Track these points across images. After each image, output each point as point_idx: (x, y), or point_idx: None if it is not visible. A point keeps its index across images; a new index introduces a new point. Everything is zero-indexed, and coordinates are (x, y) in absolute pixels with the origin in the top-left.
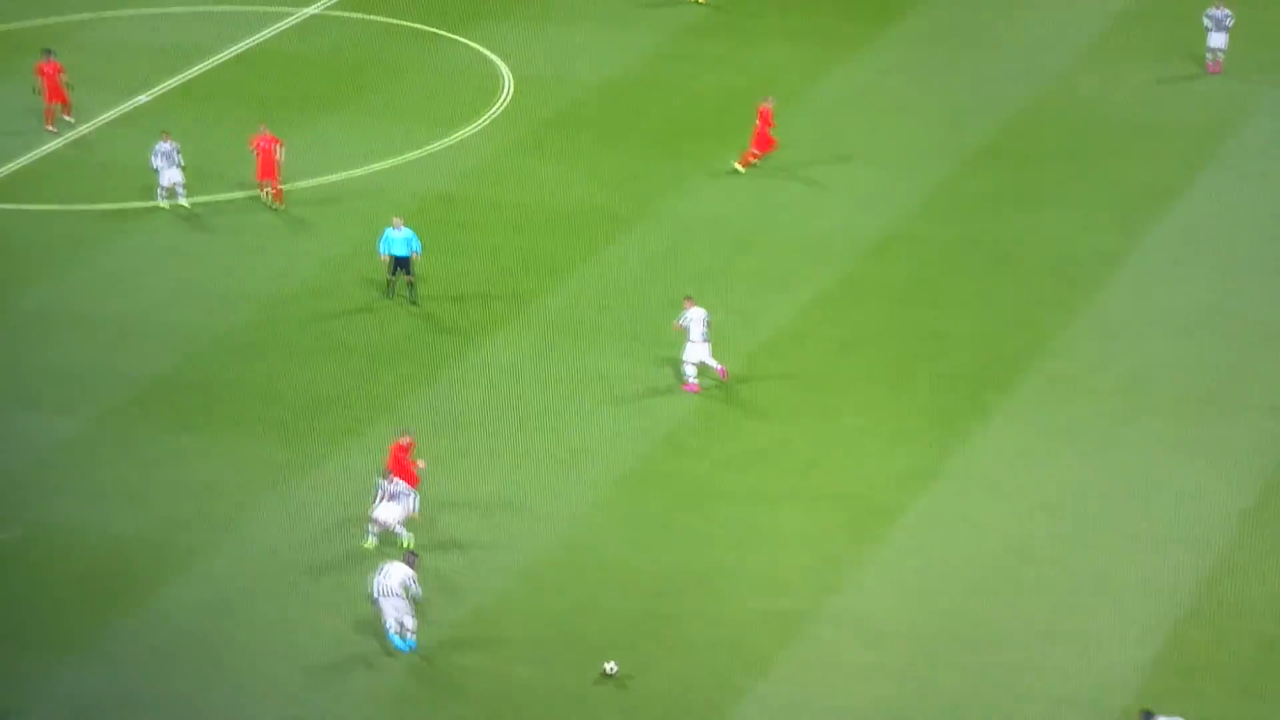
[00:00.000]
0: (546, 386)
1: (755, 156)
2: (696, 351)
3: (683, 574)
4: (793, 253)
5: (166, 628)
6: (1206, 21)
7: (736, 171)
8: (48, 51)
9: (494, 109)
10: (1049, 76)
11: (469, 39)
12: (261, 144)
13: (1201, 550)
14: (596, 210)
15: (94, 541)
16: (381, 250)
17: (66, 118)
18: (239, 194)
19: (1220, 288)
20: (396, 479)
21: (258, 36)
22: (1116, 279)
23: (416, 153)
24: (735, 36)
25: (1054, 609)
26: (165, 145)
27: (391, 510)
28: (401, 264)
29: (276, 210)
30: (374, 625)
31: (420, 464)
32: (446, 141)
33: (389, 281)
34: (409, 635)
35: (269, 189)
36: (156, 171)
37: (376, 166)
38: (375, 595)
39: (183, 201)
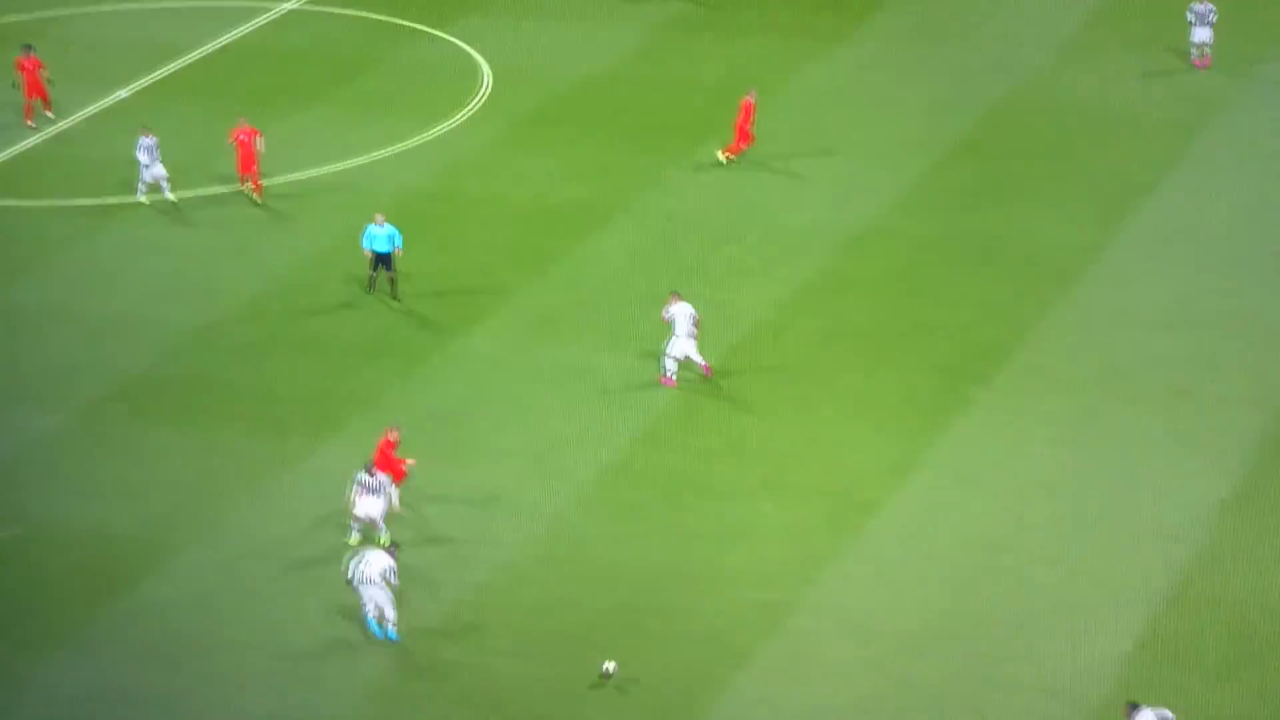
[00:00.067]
0: (527, 380)
1: (736, 149)
2: (680, 346)
3: (663, 567)
4: (772, 246)
5: (150, 622)
6: (1190, 16)
7: (721, 162)
8: (28, 47)
9: (473, 104)
10: (1027, 70)
11: (447, 34)
12: (241, 136)
13: (1180, 541)
14: (576, 204)
15: (77, 536)
16: (364, 246)
17: (47, 113)
18: (220, 189)
19: (1197, 281)
20: (379, 473)
21: (237, 31)
22: (1094, 272)
23: (396, 147)
24: (714, 31)
25: (1033, 600)
26: (148, 140)
27: (373, 504)
28: (383, 260)
29: (257, 203)
30: (356, 619)
31: (410, 461)
32: (426, 136)
33: (370, 277)
34: (390, 626)
35: (251, 184)
36: (144, 166)
37: (356, 161)
38: (354, 582)
39: (168, 196)
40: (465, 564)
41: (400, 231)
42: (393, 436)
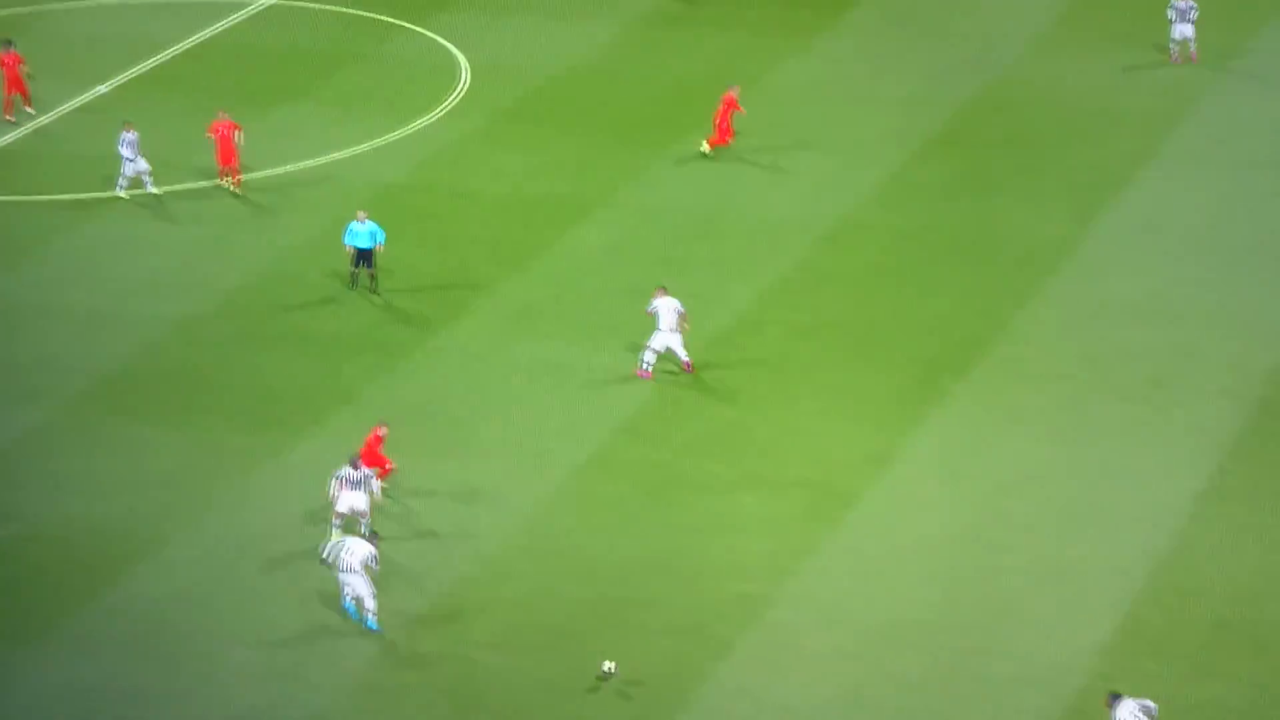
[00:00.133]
0: (507, 374)
1: (719, 141)
2: (661, 339)
3: (643, 560)
4: (750, 240)
5: (130, 617)
6: (1171, 14)
7: (705, 154)
8: (8, 42)
9: (451, 98)
10: (1003, 65)
11: (425, 29)
12: (220, 129)
13: (1156, 532)
14: (555, 198)
15: (56, 531)
16: (346, 242)
17: (27, 109)
18: (201, 183)
19: (1173, 273)
20: (364, 467)
21: (216, 26)
22: (1071, 265)
23: (375, 142)
24: (691, 26)
25: (1011, 591)
26: (130, 135)
27: (357, 498)
28: (364, 256)
29: (236, 195)
30: (336, 615)
31: (392, 465)
32: (405, 131)
33: (352, 274)
34: (369, 615)
35: (230, 176)
36: (127, 161)
37: (336, 156)
38: (335, 569)
39: (151, 190)
40: (447, 557)
41: (382, 228)
42: (382, 432)
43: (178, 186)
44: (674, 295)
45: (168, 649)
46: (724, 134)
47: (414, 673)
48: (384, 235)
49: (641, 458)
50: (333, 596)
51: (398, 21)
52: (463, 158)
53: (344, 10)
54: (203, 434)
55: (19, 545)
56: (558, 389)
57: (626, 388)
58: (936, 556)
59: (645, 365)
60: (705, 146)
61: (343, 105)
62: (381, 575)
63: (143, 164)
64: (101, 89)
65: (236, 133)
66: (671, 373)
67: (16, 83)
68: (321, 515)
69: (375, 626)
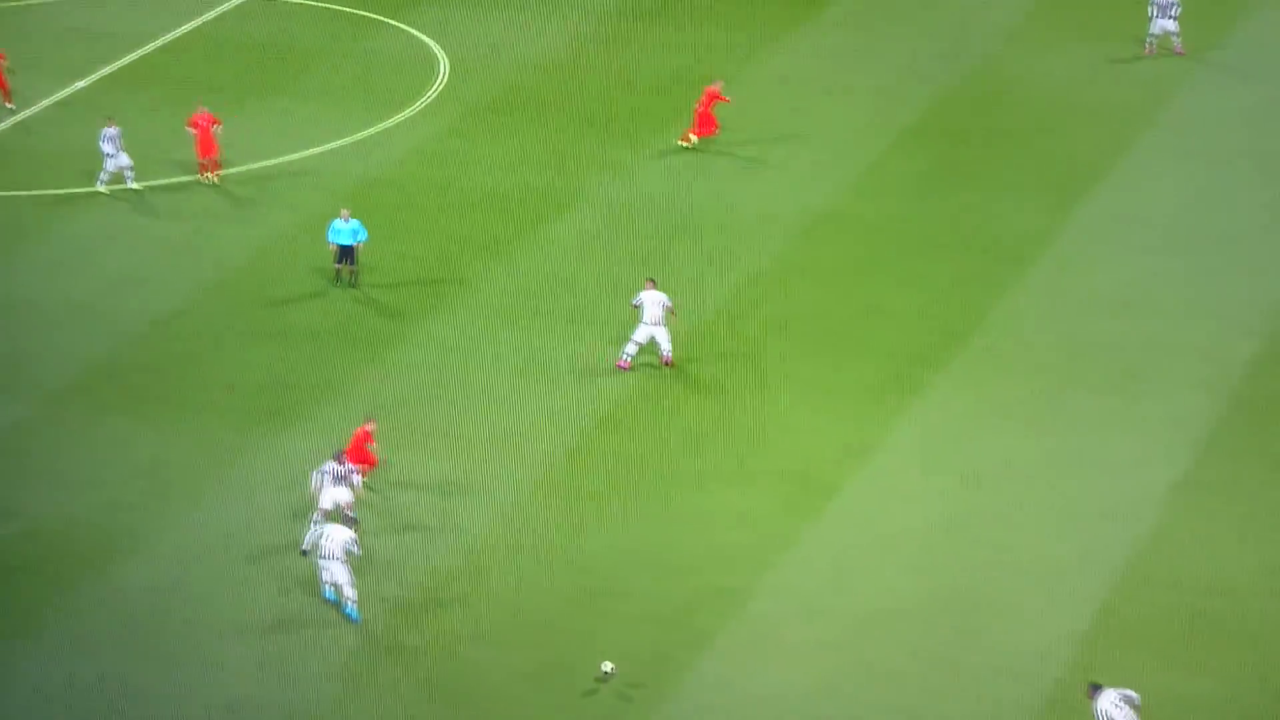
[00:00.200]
0: (487, 367)
1: (701, 133)
2: (646, 331)
3: (623, 552)
4: (728, 233)
5: (113, 610)
6: (1151, 9)
7: (692, 144)
8: None
9: (430, 92)
10: (977, 58)
11: (403, 23)
12: (200, 122)
13: (1133, 523)
14: (534, 192)
15: (37, 525)
16: (329, 239)
17: (7, 104)
18: (181, 178)
19: (1149, 265)
20: (348, 462)
21: (195, 21)
22: (1047, 257)
23: (354, 136)
24: (667, 20)
25: (988, 582)
26: (111, 130)
27: (341, 493)
28: (346, 253)
29: (216, 186)
30: (316, 607)
31: (376, 461)
32: (384, 125)
33: (337, 270)
34: (349, 604)
35: (210, 170)
36: (108, 156)
37: (315, 150)
38: (316, 556)
39: (132, 185)
40: (427, 549)
41: (364, 226)
42: (370, 428)
43: (158, 181)
44: (663, 290)
45: (150, 642)
46: (708, 125)
47: (396, 664)
48: (366, 234)
49: (621, 451)
50: (312, 589)
51: (376, 16)
52: (442, 152)
53: (321, 5)
54: (183, 427)
55: None
56: (537, 382)
57: (606, 381)
58: (915, 548)
59: (626, 357)
60: (692, 138)
61: (322, 100)
62: (363, 567)
63: (125, 159)
64: (80, 84)
65: (215, 128)
66: (651, 366)
67: None
68: (303, 508)
69: (355, 615)
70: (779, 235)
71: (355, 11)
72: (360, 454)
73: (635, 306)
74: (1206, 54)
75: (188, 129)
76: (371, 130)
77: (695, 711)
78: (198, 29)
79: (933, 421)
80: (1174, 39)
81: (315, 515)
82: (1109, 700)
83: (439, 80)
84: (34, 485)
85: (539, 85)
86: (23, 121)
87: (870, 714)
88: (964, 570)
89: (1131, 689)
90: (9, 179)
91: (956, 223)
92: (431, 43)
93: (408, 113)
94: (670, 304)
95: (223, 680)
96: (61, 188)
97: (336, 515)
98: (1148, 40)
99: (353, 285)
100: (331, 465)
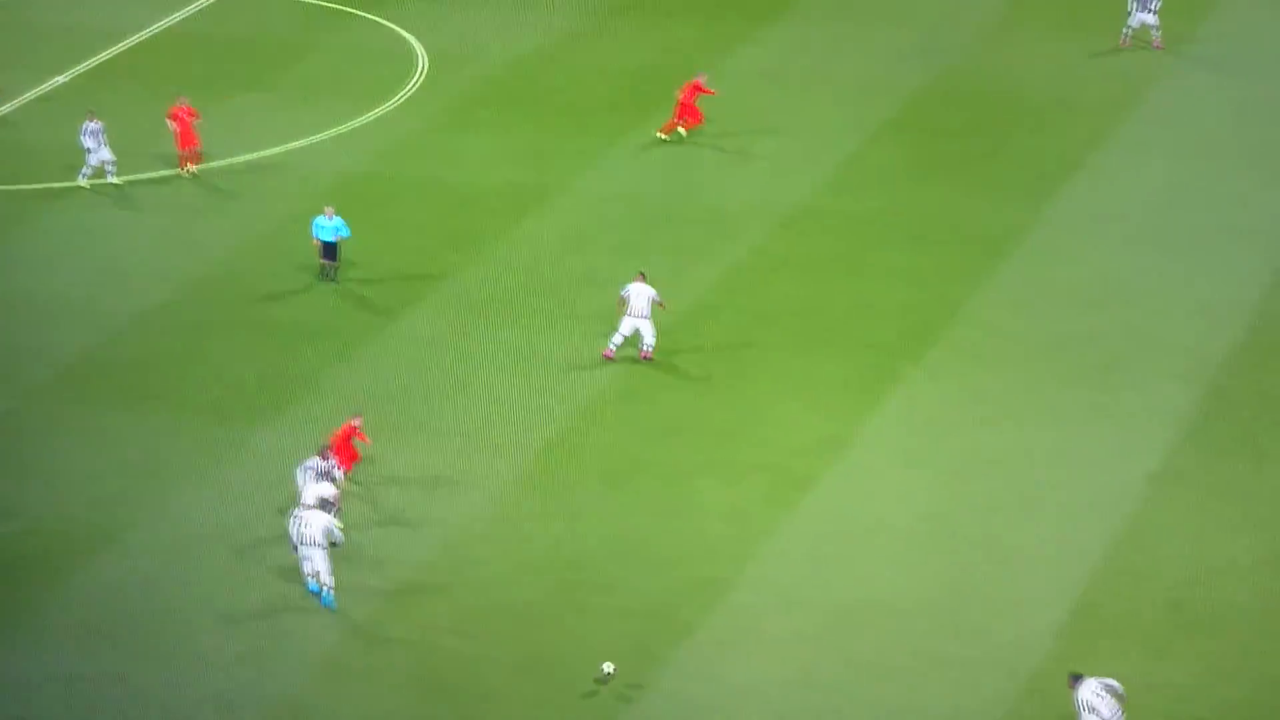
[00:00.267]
0: (466, 361)
1: (689, 125)
2: (631, 323)
3: (603, 544)
4: (707, 226)
5: (93, 605)
6: (1130, 3)
7: (681, 136)
8: None
9: (409, 87)
10: (955, 51)
11: (382, 17)
12: (180, 114)
13: (1110, 514)
14: (512, 186)
15: (17, 520)
16: (314, 235)
17: None
18: (161, 172)
19: (1126, 258)
20: (332, 457)
21: (174, 16)
22: (1025, 250)
23: (334, 131)
24: (645, 13)
25: (967, 574)
26: (93, 124)
27: (325, 488)
28: (329, 249)
29: (196, 177)
30: (301, 600)
31: (359, 457)
32: (363, 119)
33: (322, 266)
34: (327, 590)
35: (190, 162)
36: (90, 151)
37: (294, 145)
38: (299, 543)
39: (113, 180)
40: (408, 542)
41: (347, 224)
42: (356, 423)
43: (138, 176)
44: (625, 280)
45: (131, 635)
46: (693, 115)
47: (377, 657)
48: (348, 231)
49: (601, 443)
50: (296, 582)
51: (354, 10)
52: (421, 146)
53: None
54: (165, 422)
55: None
56: (518, 375)
57: (586, 374)
58: (894, 539)
59: (612, 346)
60: (680, 131)
61: (301, 94)
62: (346, 559)
63: (107, 154)
64: (60, 79)
65: (194, 121)
66: (631, 359)
67: None
68: (284, 501)
69: (331, 602)
70: (758, 228)
71: (334, 6)
72: (346, 449)
73: (623, 298)
74: (1183, 47)
75: (168, 121)
76: (351, 125)
77: (676, 702)
78: (177, 24)
79: (912, 414)
80: (1153, 32)
81: (297, 510)
82: (1090, 690)
83: (418, 75)
84: (11, 480)
85: (518, 79)
86: (3, 116)
87: (850, 705)
88: (943, 562)
89: (1110, 677)
90: None
91: (935, 216)
92: (410, 37)
93: (387, 107)
94: (659, 298)
95: (209, 673)
96: (43, 183)
97: (320, 509)
98: (1124, 32)
99: (333, 280)
100: (315, 460)
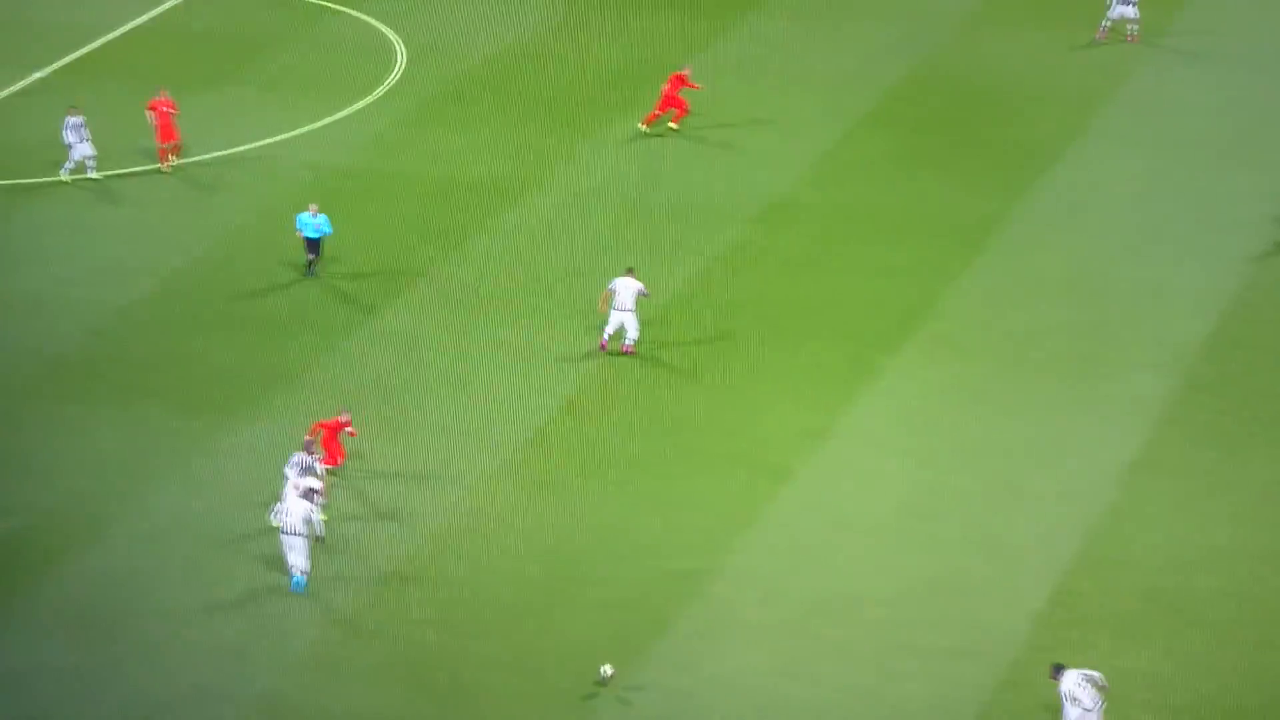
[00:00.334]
0: (446, 354)
1: (675, 118)
2: (617, 318)
3: (583, 536)
4: (685, 219)
5: (72, 599)
6: None
7: (674, 130)
8: None
9: (388, 81)
10: (932, 44)
11: (360, 12)
12: (159, 107)
13: (1087, 504)
14: (492, 180)
15: (3, 513)
16: (298, 230)
17: None
18: (141, 167)
19: (1101, 249)
20: (316, 451)
21: (151, 12)
22: (1000, 241)
23: (313, 125)
24: (623, 7)
25: (944, 564)
26: (75, 119)
27: (309, 482)
28: (312, 245)
29: (176, 171)
30: (281, 593)
31: (344, 455)
32: (342, 114)
33: (308, 261)
34: (298, 573)
35: (171, 154)
36: (71, 145)
37: (273, 139)
38: (281, 532)
39: (93, 175)
40: (389, 536)
41: (330, 222)
42: (344, 418)
43: (118, 171)
44: (606, 274)
45: (111, 629)
46: (679, 107)
47: (358, 650)
48: (331, 228)
49: (580, 435)
50: (281, 574)
51: (334, 5)
52: (400, 140)
53: None
54: (145, 416)
55: None
56: (497, 369)
57: (565, 367)
58: (872, 530)
59: (605, 337)
60: (672, 125)
61: (280, 89)
62: (328, 553)
63: (89, 149)
64: (39, 74)
65: (173, 114)
66: (611, 352)
67: None
68: (264, 495)
69: (302, 587)
70: (737, 221)
71: (312, 0)
72: (332, 444)
73: (610, 291)
74: (1159, 40)
75: (147, 113)
76: (330, 119)
77: (656, 693)
78: (154, 19)
79: (890, 405)
80: (1130, 26)
81: (279, 506)
82: (1072, 680)
83: (396, 68)
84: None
85: (496, 73)
86: None
87: (830, 694)
88: (922, 552)
89: (1090, 668)
90: None
91: (913, 208)
92: (388, 31)
93: (366, 101)
94: (646, 291)
95: (183, 667)
96: (22, 178)
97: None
98: (1102, 24)
99: (315, 274)
100: (299, 455)
